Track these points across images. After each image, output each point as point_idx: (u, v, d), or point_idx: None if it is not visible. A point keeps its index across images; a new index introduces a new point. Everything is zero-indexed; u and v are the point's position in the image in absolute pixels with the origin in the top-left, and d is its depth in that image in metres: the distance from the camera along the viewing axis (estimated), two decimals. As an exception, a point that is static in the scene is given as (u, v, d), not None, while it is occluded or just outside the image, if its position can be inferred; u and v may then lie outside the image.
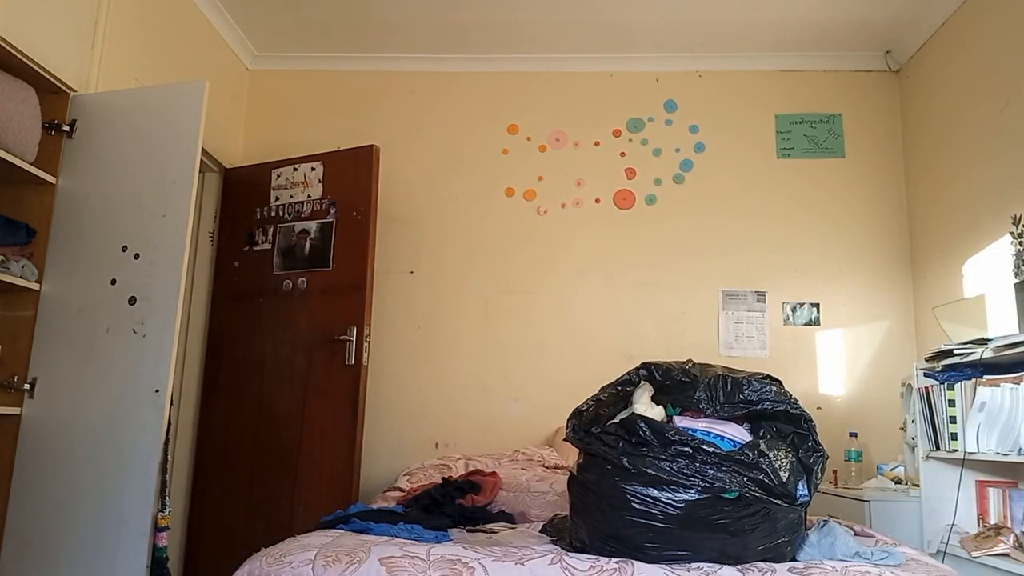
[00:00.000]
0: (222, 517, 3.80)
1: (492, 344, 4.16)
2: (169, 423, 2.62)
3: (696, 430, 1.57)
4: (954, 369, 3.09)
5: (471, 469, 2.85)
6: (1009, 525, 2.86)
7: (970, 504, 3.06)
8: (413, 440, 4.05)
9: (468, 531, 1.92)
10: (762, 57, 4.31)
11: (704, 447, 1.50)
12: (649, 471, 1.51)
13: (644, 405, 1.66)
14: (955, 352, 3.05)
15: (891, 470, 3.51)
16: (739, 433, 1.60)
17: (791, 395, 1.65)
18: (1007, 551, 2.69)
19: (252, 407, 3.86)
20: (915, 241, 4.08)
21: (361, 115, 4.40)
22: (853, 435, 3.71)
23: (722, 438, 1.56)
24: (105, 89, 3.03)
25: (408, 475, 3.12)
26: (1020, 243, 3.14)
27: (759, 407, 1.61)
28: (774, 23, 4.01)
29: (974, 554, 2.78)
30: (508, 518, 2.23)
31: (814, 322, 4.09)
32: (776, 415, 1.60)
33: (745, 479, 1.48)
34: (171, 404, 4.11)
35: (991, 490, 2.99)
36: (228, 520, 3.77)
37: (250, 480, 3.78)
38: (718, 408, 1.62)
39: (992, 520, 2.96)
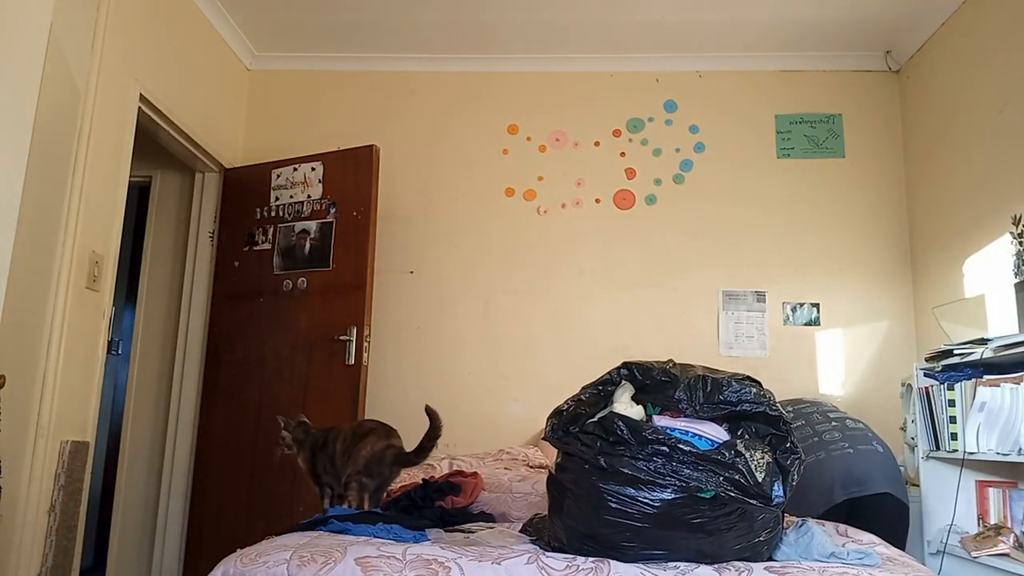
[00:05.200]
0: (222, 517, 3.82)
1: (492, 344, 4.16)
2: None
3: (674, 429, 1.56)
4: (954, 369, 3.07)
5: (454, 469, 2.83)
6: (1009, 525, 2.84)
7: (970, 504, 3.05)
8: (413, 440, 4.01)
9: (447, 531, 1.92)
10: (762, 57, 4.29)
11: (681, 446, 1.49)
12: (626, 470, 1.51)
13: (624, 404, 1.65)
14: (955, 352, 3.03)
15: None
16: (717, 432, 1.59)
17: (771, 397, 1.64)
18: (1007, 551, 2.68)
19: (252, 407, 3.87)
20: (915, 241, 4.05)
21: (361, 115, 4.41)
22: (853, 436, 3.68)
23: (700, 437, 1.56)
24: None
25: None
26: (1020, 243, 3.12)
27: (738, 408, 1.60)
28: (774, 23, 3.99)
29: (974, 554, 2.76)
30: (489, 519, 2.21)
31: (814, 322, 4.06)
32: (755, 416, 1.59)
33: (721, 478, 1.47)
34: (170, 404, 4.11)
35: (991, 490, 2.98)
36: (228, 520, 3.79)
37: (250, 480, 3.79)
38: (698, 408, 1.61)
39: (992, 520, 2.95)
